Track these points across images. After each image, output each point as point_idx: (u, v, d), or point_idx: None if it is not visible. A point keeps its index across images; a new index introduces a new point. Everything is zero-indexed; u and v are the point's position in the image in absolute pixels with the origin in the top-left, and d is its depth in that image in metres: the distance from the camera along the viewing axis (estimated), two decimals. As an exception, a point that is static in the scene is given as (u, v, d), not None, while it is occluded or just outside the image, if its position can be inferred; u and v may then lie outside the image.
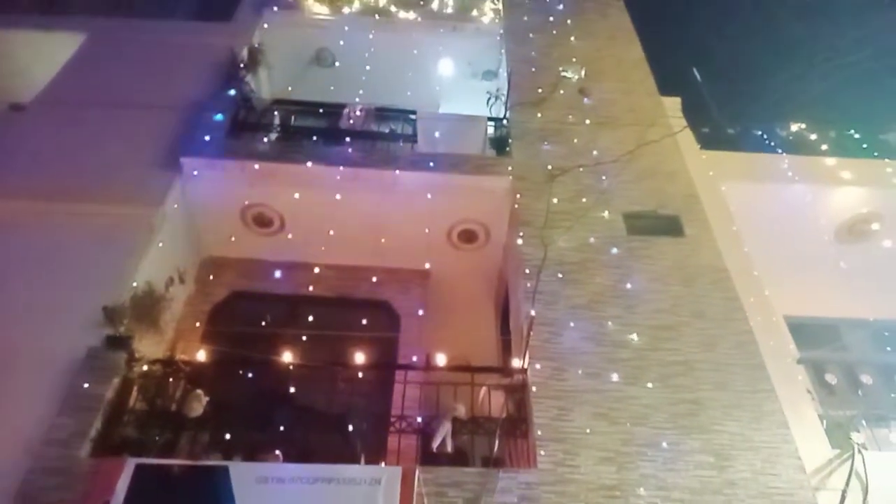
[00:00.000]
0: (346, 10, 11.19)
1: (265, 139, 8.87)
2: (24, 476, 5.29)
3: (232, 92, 9.12)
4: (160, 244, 7.45)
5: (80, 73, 9.46)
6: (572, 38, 10.64)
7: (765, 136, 10.25)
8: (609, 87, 9.72)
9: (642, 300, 7.00)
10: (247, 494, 5.21)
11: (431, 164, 8.26)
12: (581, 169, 8.25)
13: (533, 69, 9.93)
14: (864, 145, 9.97)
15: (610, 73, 10.03)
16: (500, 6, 11.48)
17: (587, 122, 9.05)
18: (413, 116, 9.49)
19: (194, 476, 5.38)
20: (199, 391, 6.10)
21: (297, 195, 8.15)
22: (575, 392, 6.18)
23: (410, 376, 6.70)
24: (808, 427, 6.27)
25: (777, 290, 7.70)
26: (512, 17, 11.17)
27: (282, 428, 6.35)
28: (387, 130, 9.71)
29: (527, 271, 7.15)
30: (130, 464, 5.29)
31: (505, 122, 9.31)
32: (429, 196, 8.16)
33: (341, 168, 8.11)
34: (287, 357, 6.66)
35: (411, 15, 11.32)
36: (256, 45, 10.36)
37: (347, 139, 8.99)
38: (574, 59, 10.03)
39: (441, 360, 7.02)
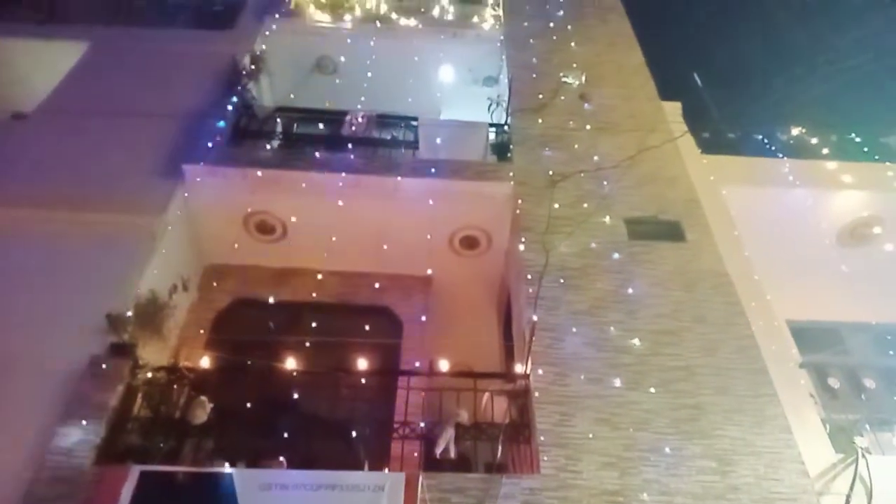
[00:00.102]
0: (347, 17, 11.24)
1: (267, 146, 8.94)
2: (29, 485, 5.31)
3: (234, 99, 9.16)
4: (163, 252, 7.48)
5: (81, 81, 9.51)
6: (573, 44, 10.67)
7: (765, 141, 10.25)
8: (609, 92, 9.74)
9: (644, 305, 7.00)
10: (251, 501, 5.23)
11: (433, 170, 8.29)
12: (582, 174, 8.26)
13: (533, 75, 9.96)
14: (865, 149, 9.97)
15: (610, 79, 10.05)
16: (501, 12, 11.53)
17: (588, 127, 9.06)
18: (414, 123, 9.55)
19: (198, 483, 5.41)
20: (203, 398, 6.12)
21: (299, 202, 8.18)
22: (577, 397, 6.18)
23: (413, 382, 6.71)
24: (811, 431, 6.26)
25: (778, 295, 7.70)
26: (512, 23, 11.21)
27: (285, 434, 6.37)
28: (388, 137, 9.75)
29: (528, 277, 7.16)
30: (135, 471, 5.31)
31: (506, 128, 9.34)
32: (430, 202, 8.18)
33: (343, 175, 8.13)
34: (290, 364, 6.69)
35: (412, 22, 11.36)
36: (258, 53, 10.41)
37: (349, 146, 9.02)
38: (574, 65, 10.07)
39: (444, 365, 7.03)
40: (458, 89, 11.60)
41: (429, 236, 8.53)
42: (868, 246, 9.27)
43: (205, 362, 6.76)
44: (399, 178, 8.21)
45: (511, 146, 8.86)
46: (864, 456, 6.00)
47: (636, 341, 6.65)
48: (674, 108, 9.72)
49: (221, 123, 8.66)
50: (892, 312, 9.15)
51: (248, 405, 6.58)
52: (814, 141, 10.11)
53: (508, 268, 8.55)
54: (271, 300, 8.16)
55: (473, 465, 6.34)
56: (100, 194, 7.55)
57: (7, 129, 8.67)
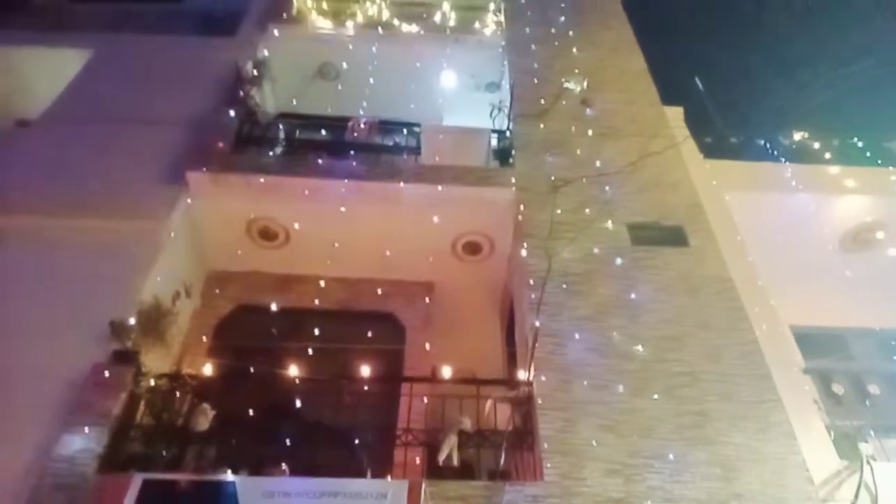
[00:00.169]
0: (349, 23, 11.27)
1: (270, 153, 8.93)
2: (31, 493, 5.28)
3: (237, 106, 9.18)
4: (166, 258, 7.47)
5: (85, 88, 9.55)
6: (574, 50, 10.67)
7: (768, 146, 10.25)
8: (612, 97, 9.74)
9: (647, 311, 6.98)
10: (253, 509, 5.21)
11: (435, 176, 8.29)
12: (584, 180, 8.25)
13: (535, 80, 9.96)
14: (868, 154, 9.97)
15: (612, 84, 10.04)
16: (503, 18, 11.55)
17: (590, 132, 9.06)
18: (417, 129, 9.54)
19: (201, 491, 5.37)
20: (206, 405, 6.10)
21: (301, 209, 8.18)
22: (581, 404, 6.16)
23: (416, 389, 6.71)
24: (816, 438, 6.21)
25: (782, 300, 7.67)
26: (514, 28, 11.23)
27: (288, 442, 6.35)
28: (391, 143, 9.77)
29: (531, 282, 7.14)
30: (137, 479, 5.27)
31: (508, 133, 9.34)
32: (433, 208, 8.18)
33: (346, 181, 8.14)
34: (293, 370, 6.67)
35: (414, 28, 11.40)
36: (261, 60, 10.43)
37: (351, 152, 9.03)
38: (576, 71, 10.04)
39: (447, 372, 7.01)
40: (460, 95, 11.62)
41: (431, 242, 8.52)
42: (871, 251, 9.25)
43: (207, 369, 6.76)
44: (401, 184, 8.21)
45: (513, 152, 8.86)
46: (868, 462, 5.93)
47: (640, 347, 6.63)
48: (676, 113, 9.71)
49: (224, 130, 8.67)
50: (896, 318, 9.12)
51: (251, 412, 6.57)
52: (816, 146, 10.11)
53: (511, 273, 8.54)
54: (274, 307, 8.15)
55: (476, 473, 6.32)
56: (103, 201, 7.57)
57: (11, 136, 8.70)
